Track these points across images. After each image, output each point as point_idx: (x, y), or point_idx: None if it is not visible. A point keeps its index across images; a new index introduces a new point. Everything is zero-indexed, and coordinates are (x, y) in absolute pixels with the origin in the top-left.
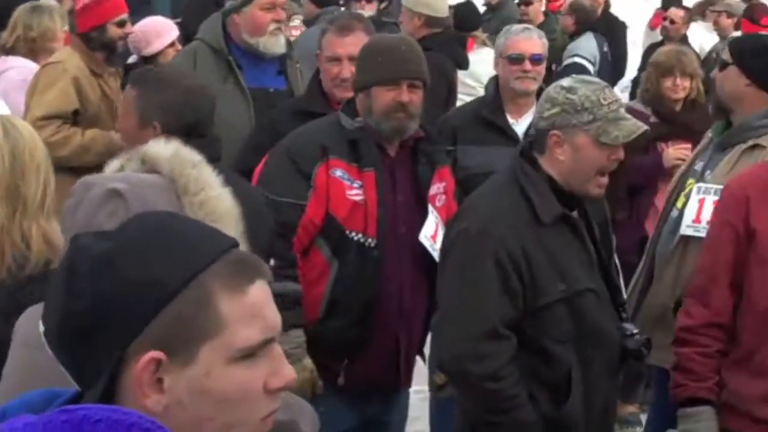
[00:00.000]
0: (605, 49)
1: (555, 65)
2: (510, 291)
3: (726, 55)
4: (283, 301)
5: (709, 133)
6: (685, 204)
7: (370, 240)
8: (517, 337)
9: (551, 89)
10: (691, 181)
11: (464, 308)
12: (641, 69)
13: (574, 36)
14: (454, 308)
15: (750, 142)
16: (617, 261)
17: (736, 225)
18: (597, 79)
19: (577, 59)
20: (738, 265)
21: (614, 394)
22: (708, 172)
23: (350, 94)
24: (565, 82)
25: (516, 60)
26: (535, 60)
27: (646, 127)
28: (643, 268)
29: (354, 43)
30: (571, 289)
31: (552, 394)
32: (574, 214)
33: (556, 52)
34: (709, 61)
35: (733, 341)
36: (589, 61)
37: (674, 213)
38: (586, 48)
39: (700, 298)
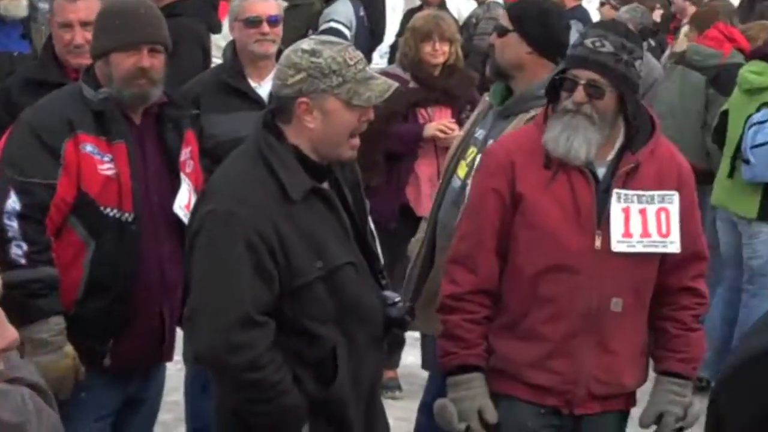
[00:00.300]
0: (362, 14)
1: (311, 30)
2: (264, 274)
3: (505, 21)
4: (38, 287)
5: (486, 98)
6: (468, 174)
7: (126, 215)
8: (276, 319)
9: (292, 54)
10: (472, 149)
11: (215, 297)
12: (399, 34)
13: (329, 1)
14: (205, 297)
15: (532, 112)
16: (372, 226)
17: (501, 191)
18: (337, 39)
19: (333, 24)
20: (503, 231)
21: (381, 366)
22: (491, 141)
23: (86, 61)
24: (306, 45)
25: (253, 23)
26: (273, 21)
27: (396, 84)
28: (425, 238)
29: (86, 7)
30: (329, 266)
31: (318, 374)
32: (325, 185)
33: (312, 17)
34: (467, 27)
35: (499, 307)
36: (346, 26)
37: (456, 182)
38: (342, 13)
39: (466, 264)
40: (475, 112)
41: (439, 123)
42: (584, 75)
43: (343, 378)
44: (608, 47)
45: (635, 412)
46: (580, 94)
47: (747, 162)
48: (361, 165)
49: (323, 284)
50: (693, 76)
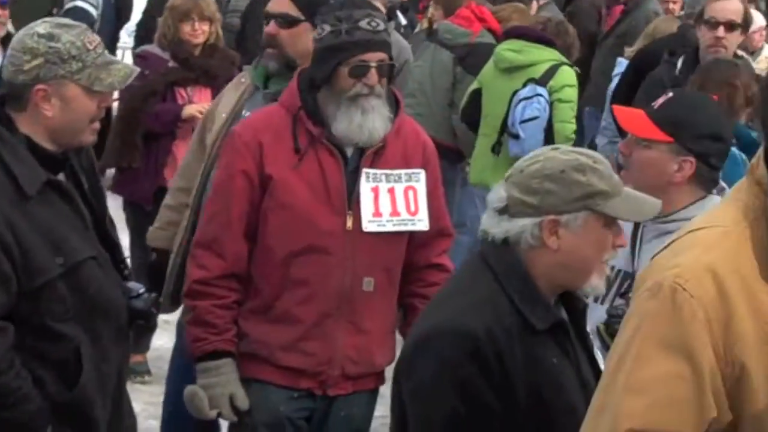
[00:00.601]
0: None
1: (56, 9)
2: (1, 276)
3: (292, 11)
4: None
5: (243, 79)
6: None
7: None
8: (15, 321)
9: (26, 38)
10: None
11: None
12: (147, 12)
13: None
14: None
15: None
16: (110, 215)
17: (249, 172)
18: (74, 22)
19: (79, 3)
20: (252, 213)
21: (127, 359)
22: None
23: None
24: (41, 28)
25: None
26: (3, 3)
27: (138, 69)
28: (188, 225)
29: None
30: (70, 262)
31: (61, 375)
32: (60, 175)
33: None
34: (219, 4)
35: (249, 290)
36: (92, 5)
37: None
38: None
39: (212, 248)
40: (237, 93)
41: (199, 105)
42: (374, 57)
43: (87, 377)
44: (381, 25)
45: (384, 390)
46: (374, 77)
47: (516, 137)
48: (121, 147)
49: (65, 281)
50: (443, 54)
